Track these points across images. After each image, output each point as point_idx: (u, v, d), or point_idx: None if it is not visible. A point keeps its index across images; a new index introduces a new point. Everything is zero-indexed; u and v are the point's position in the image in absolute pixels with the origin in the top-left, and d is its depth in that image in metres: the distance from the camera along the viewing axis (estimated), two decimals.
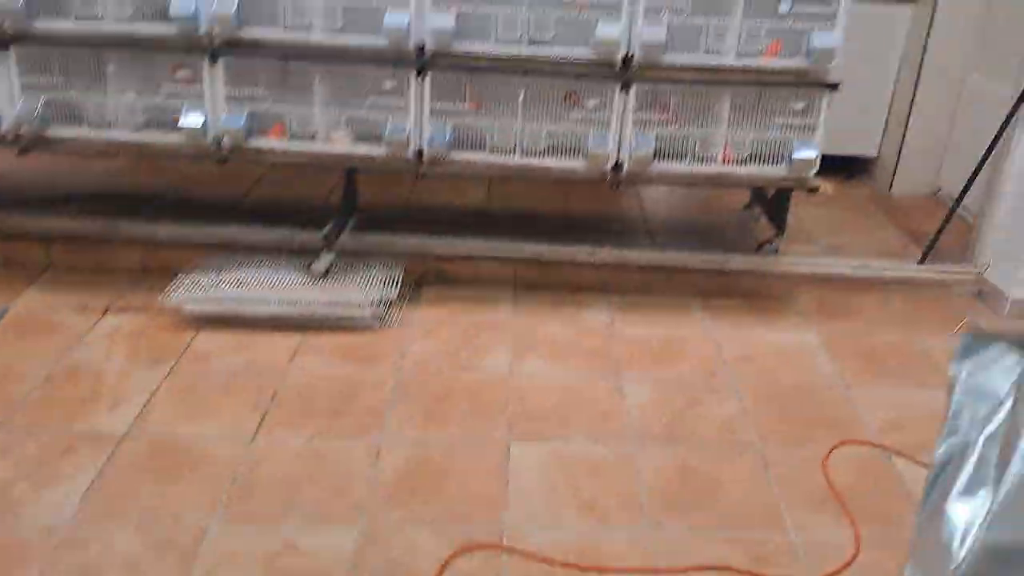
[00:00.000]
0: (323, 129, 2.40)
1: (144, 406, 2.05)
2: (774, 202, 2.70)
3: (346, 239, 2.66)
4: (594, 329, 2.50)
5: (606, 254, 2.66)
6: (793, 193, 2.59)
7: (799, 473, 1.94)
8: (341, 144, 2.39)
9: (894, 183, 3.38)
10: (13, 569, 1.57)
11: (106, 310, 2.47)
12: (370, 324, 2.42)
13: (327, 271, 2.49)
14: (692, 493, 1.86)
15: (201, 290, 2.40)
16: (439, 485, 1.84)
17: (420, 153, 2.39)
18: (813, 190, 2.39)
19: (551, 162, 2.40)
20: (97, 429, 1.97)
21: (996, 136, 2.66)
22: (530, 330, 2.48)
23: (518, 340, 2.42)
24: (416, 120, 2.37)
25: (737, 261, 2.65)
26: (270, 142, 2.41)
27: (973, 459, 0.37)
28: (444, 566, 1.62)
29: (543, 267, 2.68)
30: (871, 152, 3.49)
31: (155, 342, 2.32)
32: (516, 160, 2.39)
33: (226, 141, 2.40)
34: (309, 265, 2.49)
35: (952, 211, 2.70)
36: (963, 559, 0.35)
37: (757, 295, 2.71)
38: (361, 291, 2.43)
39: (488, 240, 2.68)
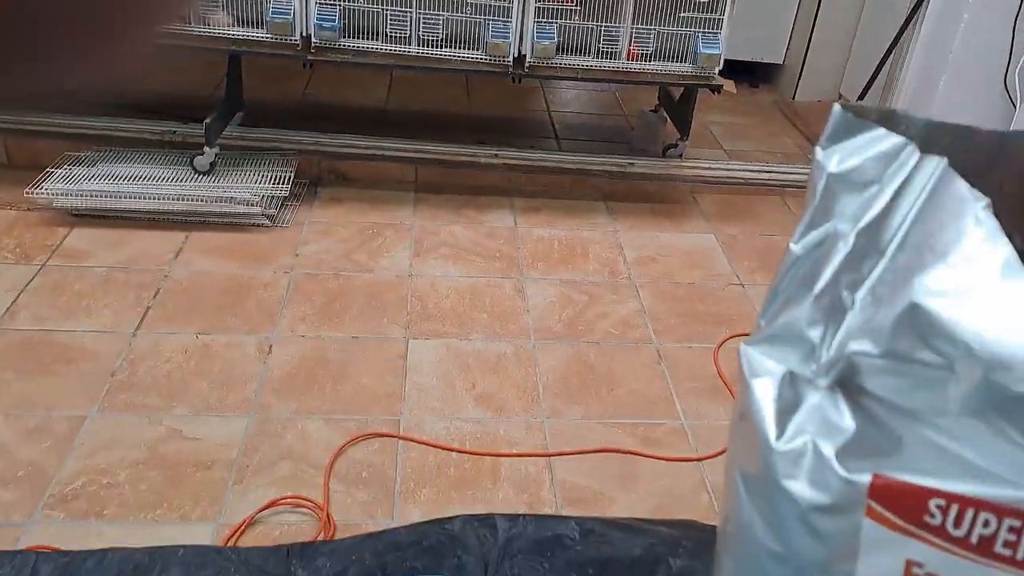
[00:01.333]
0: (200, 9, 2.23)
1: (12, 303, 1.92)
2: (679, 105, 2.68)
3: (234, 134, 2.51)
4: (497, 231, 2.47)
5: (510, 156, 2.61)
6: (698, 96, 2.58)
7: (691, 365, 1.98)
8: (220, 26, 2.23)
9: (798, 89, 3.41)
10: None
11: None
12: (260, 222, 2.31)
13: (212, 166, 2.35)
14: (588, 385, 1.87)
15: (74, 184, 2.23)
16: (334, 381, 1.79)
17: (308, 40, 2.25)
18: (717, 89, 2.38)
19: (450, 53, 2.31)
20: None
21: (892, 43, 2.70)
22: (431, 232, 2.42)
23: (418, 241, 2.37)
24: (301, 1, 2.22)
25: (641, 164, 2.64)
26: None
27: (842, 254, 0.35)
28: (339, 453, 1.59)
29: (445, 168, 2.61)
30: (777, 59, 3.51)
31: (23, 239, 2.16)
32: (413, 50, 2.29)
33: None
34: (192, 160, 2.35)
35: None
36: (830, 354, 0.33)
37: (661, 198, 2.71)
38: (250, 188, 2.32)
39: (388, 139, 2.59)
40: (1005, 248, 0.29)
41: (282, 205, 2.39)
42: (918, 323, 0.30)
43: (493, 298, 2.15)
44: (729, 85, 2.41)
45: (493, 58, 2.30)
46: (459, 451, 1.64)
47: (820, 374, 0.34)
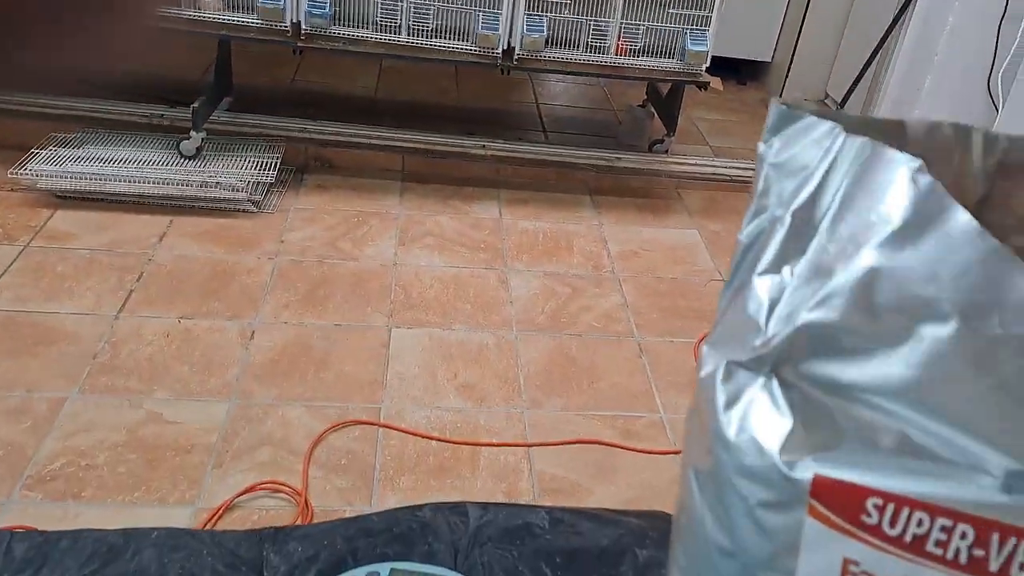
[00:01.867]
0: None
1: None
2: (666, 101, 2.69)
3: (221, 119, 2.51)
4: (482, 222, 2.48)
5: (498, 147, 2.62)
6: (685, 92, 2.59)
7: (672, 359, 2.00)
8: (211, 9, 2.22)
9: (785, 87, 3.43)
10: None
11: None
12: (246, 208, 2.31)
13: (198, 151, 2.35)
14: (569, 377, 1.89)
15: (59, 165, 2.22)
16: (316, 368, 1.80)
17: (298, 26, 2.25)
18: (704, 86, 2.40)
19: (439, 44, 2.31)
20: None
21: (879, 43, 2.72)
22: (417, 221, 2.43)
23: (404, 231, 2.37)
24: None
25: (627, 159, 2.66)
26: None
27: (780, 235, 0.36)
28: (319, 439, 1.60)
29: (432, 158, 2.61)
30: (765, 57, 3.53)
31: (6, 220, 2.15)
32: (403, 39, 2.29)
33: None
34: (179, 144, 2.34)
35: None
36: (773, 334, 0.34)
37: (646, 193, 2.73)
38: (236, 173, 2.31)
39: (376, 128, 2.59)
40: (949, 200, 0.31)
41: (268, 191, 2.39)
42: (878, 286, 0.32)
43: (477, 289, 2.16)
44: (716, 82, 2.42)
45: (482, 50, 2.30)
46: (439, 440, 1.66)
47: (763, 361, 0.35)
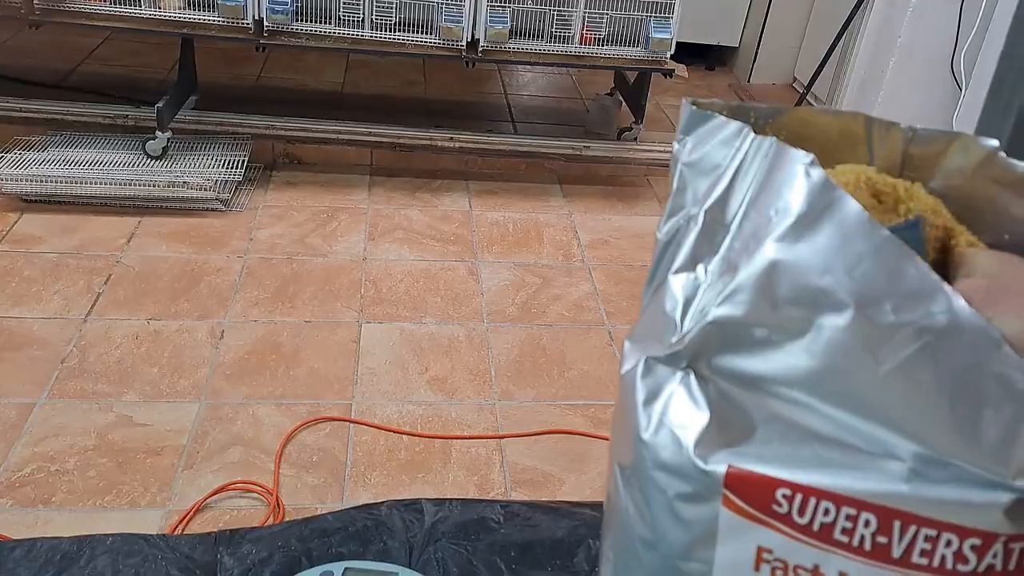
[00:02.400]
0: None
1: None
2: (633, 89, 2.70)
3: (187, 118, 2.49)
4: (452, 214, 2.48)
5: (466, 139, 2.61)
6: (652, 80, 2.60)
7: None
8: (171, 7, 2.20)
9: (753, 73, 3.45)
10: None
11: None
12: (214, 207, 2.29)
13: (165, 150, 2.33)
14: (540, 368, 1.90)
15: (24, 168, 2.20)
16: (286, 366, 1.80)
17: (261, 23, 2.23)
18: (669, 73, 2.40)
19: (403, 37, 2.30)
20: None
21: (842, 27, 2.74)
22: (386, 215, 2.42)
23: (373, 225, 2.37)
24: None
25: (596, 148, 2.66)
26: (90, 5, 2.19)
27: (694, 233, 0.37)
28: (289, 437, 1.60)
29: (401, 152, 2.60)
30: (733, 42, 3.54)
31: None
32: (366, 34, 2.28)
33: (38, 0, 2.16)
34: (145, 145, 2.32)
35: (801, 98, 2.79)
36: (687, 330, 0.35)
37: (616, 181, 2.74)
38: (203, 172, 2.30)
39: (344, 123, 2.58)
40: (841, 193, 0.32)
41: (236, 189, 2.38)
42: (778, 279, 0.32)
43: (447, 281, 2.16)
44: (681, 69, 2.43)
45: (447, 42, 2.30)
46: (410, 434, 1.66)
47: (679, 357, 0.36)
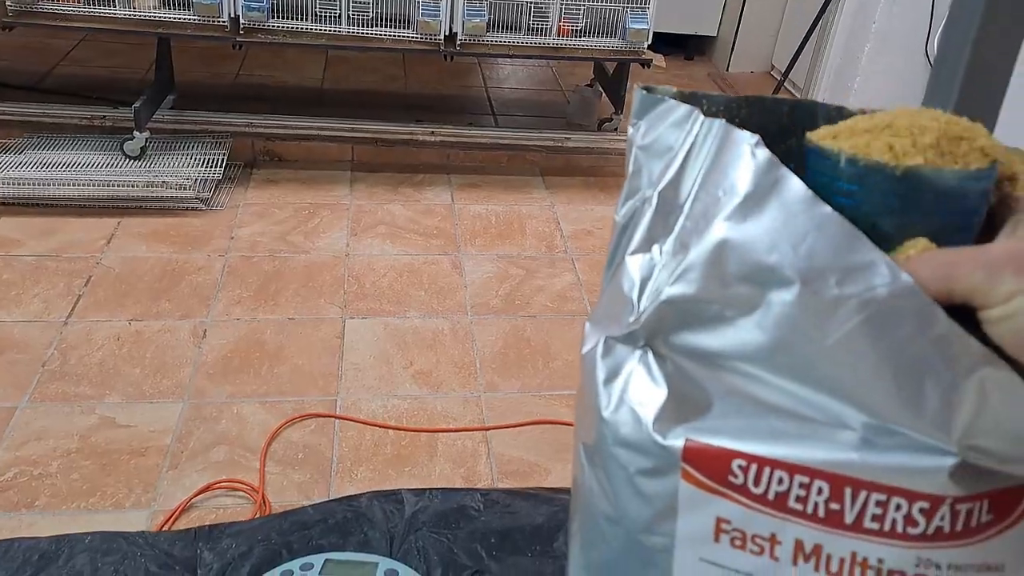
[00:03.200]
0: None
1: None
2: (612, 80, 2.71)
3: (165, 118, 2.47)
4: (434, 208, 2.48)
5: (447, 133, 2.61)
6: (631, 71, 2.61)
7: None
8: (146, 7, 2.18)
9: (731, 61, 3.46)
10: None
11: None
12: (194, 206, 2.29)
13: (143, 150, 2.32)
14: (525, 359, 1.91)
15: (1, 171, 2.18)
16: (270, 363, 1.80)
17: (237, 21, 2.22)
18: (646, 63, 2.41)
19: (381, 32, 2.29)
20: None
21: (818, 14, 2.75)
22: (368, 211, 2.42)
23: (355, 221, 2.37)
24: None
25: (577, 139, 2.67)
26: (64, 6, 2.17)
27: (648, 215, 0.38)
28: (275, 435, 1.60)
29: (382, 147, 2.60)
30: (711, 31, 3.55)
31: None
32: (344, 29, 2.27)
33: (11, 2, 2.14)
34: (123, 145, 2.30)
35: (779, 85, 2.81)
36: (643, 309, 0.36)
37: (597, 172, 2.75)
38: (182, 171, 2.29)
39: (324, 119, 2.57)
40: (785, 171, 0.32)
41: (216, 188, 2.37)
42: (727, 257, 0.33)
43: (431, 275, 2.16)
44: (659, 59, 2.44)
45: (424, 36, 2.30)
46: (396, 428, 1.67)
47: (636, 336, 0.37)
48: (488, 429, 1.71)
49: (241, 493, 1.48)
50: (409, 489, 0.77)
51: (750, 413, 0.35)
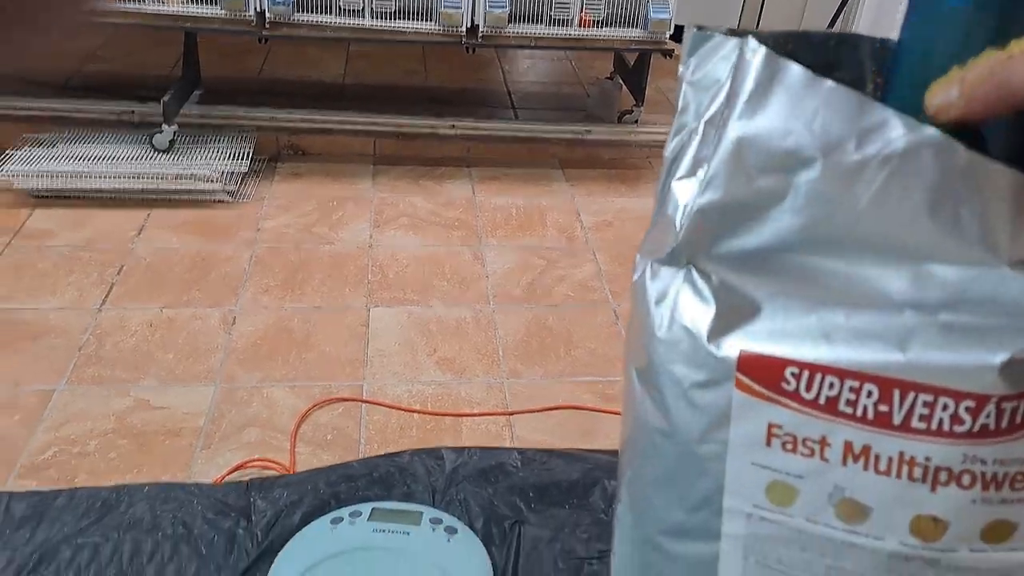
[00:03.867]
0: None
1: None
2: (633, 72, 2.73)
3: (192, 112, 2.52)
4: (455, 201, 2.50)
5: (468, 126, 2.64)
6: (652, 62, 2.62)
7: None
8: (173, 3, 2.22)
9: None
10: None
11: None
12: (221, 199, 2.32)
13: (171, 144, 2.36)
14: (547, 347, 1.93)
15: (33, 165, 2.23)
16: (298, 350, 1.83)
17: (263, 15, 2.26)
18: (668, 53, 2.43)
19: (404, 24, 2.33)
20: None
21: (839, 9, 2.76)
22: (390, 203, 2.45)
23: (378, 213, 2.40)
24: None
25: (597, 131, 2.69)
26: None
27: (694, 144, 0.40)
28: (304, 417, 1.63)
29: (403, 140, 2.63)
30: (731, 23, 3.56)
31: None
32: (367, 22, 2.31)
33: None
34: (151, 139, 2.35)
35: None
36: (681, 226, 0.38)
37: (618, 164, 2.76)
38: (210, 165, 2.33)
39: (346, 113, 2.60)
40: (784, 61, 0.34)
41: (242, 181, 2.41)
42: (746, 153, 0.35)
43: (453, 266, 2.19)
44: (680, 51, 2.45)
45: (447, 28, 2.32)
46: (421, 412, 1.69)
47: (677, 254, 0.39)
48: (512, 414, 1.73)
49: (273, 472, 1.50)
50: (448, 447, 0.79)
51: (798, 312, 0.36)
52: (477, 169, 2.67)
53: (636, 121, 2.73)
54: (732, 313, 0.38)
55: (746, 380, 0.37)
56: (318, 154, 2.63)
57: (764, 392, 0.37)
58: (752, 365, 0.37)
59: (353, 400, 1.70)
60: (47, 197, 2.25)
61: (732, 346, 0.37)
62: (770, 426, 0.37)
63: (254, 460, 1.51)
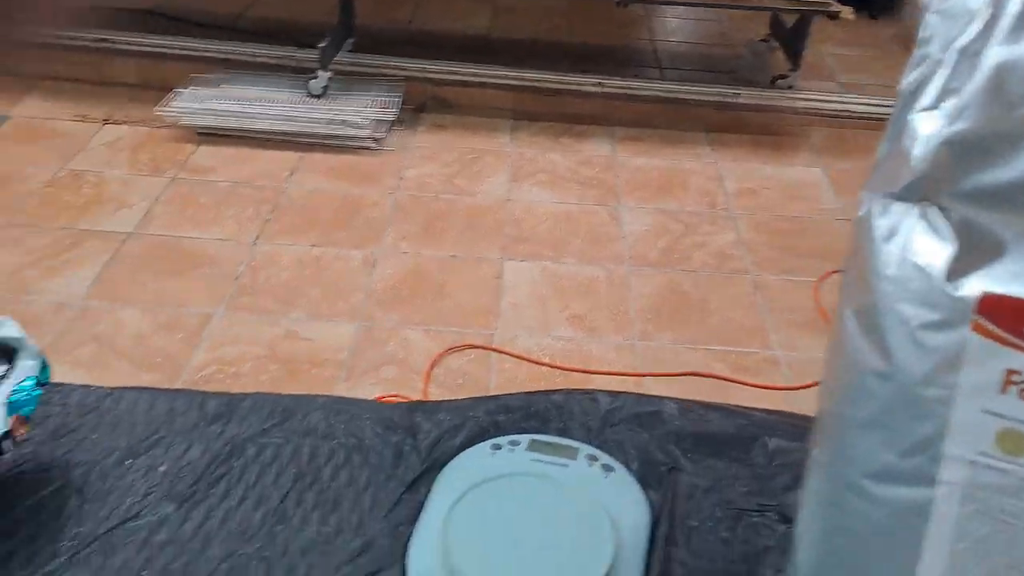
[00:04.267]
0: None
1: (147, 211, 2.07)
2: (791, 34, 2.60)
3: (345, 60, 2.59)
4: (594, 159, 2.48)
5: (614, 84, 2.60)
6: (812, 25, 2.49)
7: (789, 297, 1.97)
8: None
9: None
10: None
11: (106, 121, 2.44)
12: (368, 145, 2.39)
13: (324, 90, 2.44)
14: (681, 312, 1.89)
15: (199, 103, 2.36)
16: (434, 296, 1.87)
17: None
18: (834, 15, 2.30)
19: None
20: (102, 228, 2.00)
21: None
22: (529, 158, 2.46)
23: (516, 168, 2.41)
24: None
25: (747, 95, 2.59)
26: None
27: (942, 73, 0.37)
28: (437, 360, 1.68)
29: (544, 96, 2.62)
30: None
31: (155, 153, 2.31)
32: None
33: None
34: (307, 84, 2.44)
35: None
36: (921, 160, 0.36)
37: (767, 130, 2.66)
38: (359, 111, 2.40)
39: (491, 67, 2.62)
40: None
41: (389, 129, 2.47)
42: (1007, 80, 0.33)
43: (588, 224, 2.18)
44: (847, 12, 2.32)
45: None
46: (550, 366, 1.70)
47: (914, 188, 0.37)
48: (643, 376, 1.71)
49: None
50: (603, 391, 0.80)
51: None
52: (618, 128, 2.63)
53: (791, 87, 2.61)
54: (973, 252, 0.36)
55: (985, 323, 0.35)
56: (461, 106, 2.66)
57: (1005, 336, 0.35)
58: (994, 307, 0.35)
59: (485, 348, 1.74)
60: (210, 135, 2.38)
61: (972, 287, 0.35)
62: (1008, 372, 0.35)
63: (391, 395, 1.57)
